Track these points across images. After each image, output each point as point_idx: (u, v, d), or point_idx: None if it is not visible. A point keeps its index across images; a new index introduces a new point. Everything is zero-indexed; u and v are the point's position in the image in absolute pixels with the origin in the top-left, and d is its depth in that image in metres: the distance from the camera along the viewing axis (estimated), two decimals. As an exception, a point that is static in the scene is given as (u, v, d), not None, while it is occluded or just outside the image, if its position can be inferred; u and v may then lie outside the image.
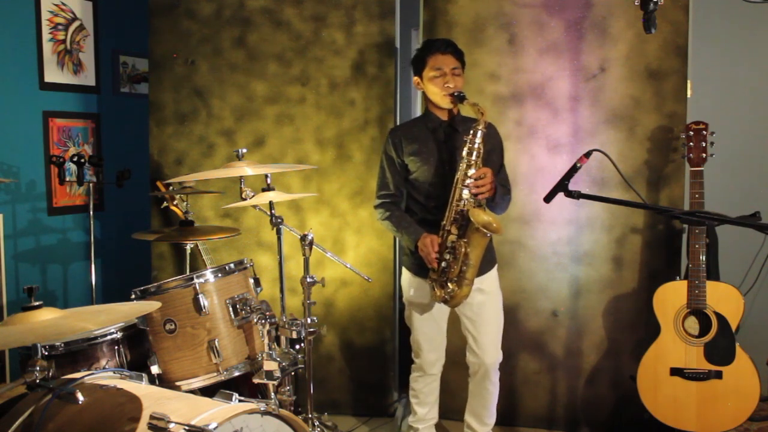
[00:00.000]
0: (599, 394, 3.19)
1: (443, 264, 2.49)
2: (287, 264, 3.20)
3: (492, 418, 2.83)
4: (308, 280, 2.41)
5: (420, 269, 2.62)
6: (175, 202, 3.17)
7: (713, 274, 2.95)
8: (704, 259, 2.75)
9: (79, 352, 2.31)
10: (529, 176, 3.17)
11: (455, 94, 2.52)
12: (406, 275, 2.76)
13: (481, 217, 2.40)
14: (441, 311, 2.72)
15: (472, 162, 2.45)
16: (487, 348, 2.70)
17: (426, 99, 2.67)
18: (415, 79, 2.66)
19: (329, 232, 3.37)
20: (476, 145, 2.44)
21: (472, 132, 2.45)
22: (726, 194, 3.33)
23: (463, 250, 2.43)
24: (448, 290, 2.48)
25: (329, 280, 3.27)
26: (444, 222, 2.50)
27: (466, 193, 2.45)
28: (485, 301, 2.67)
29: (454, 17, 3.19)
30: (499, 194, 2.57)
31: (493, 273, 2.73)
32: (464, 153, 2.46)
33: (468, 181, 2.44)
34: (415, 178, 2.64)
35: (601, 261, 3.15)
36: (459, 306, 2.57)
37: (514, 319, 3.22)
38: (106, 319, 1.75)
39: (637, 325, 3.11)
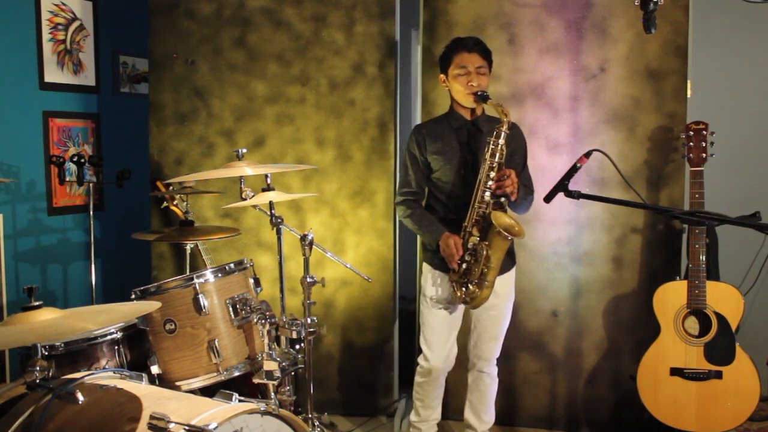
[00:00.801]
0: (599, 394, 3.19)
1: (464, 266, 2.49)
2: (287, 264, 3.19)
3: (491, 415, 2.83)
4: (308, 280, 2.41)
5: (442, 263, 2.60)
6: (175, 202, 3.17)
7: (713, 274, 2.95)
8: (704, 259, 2.75)
9: (79, 352, 2.31)
10: (529, 176, 3.17)
11: (478, 93, 2.51)
12: (427, 270, 2.73)
13: (503, 219, 2.40)
14: (458, 311, 2.71)
15: (495, 164, 2.44)
16: (487, 346, 2.73)
17: (451, 97, 2.67)
18: (441, 76, 2.65)
19: (329, 232, 3.37)
20: (499, 147, 2.43)
21: (495, 133, 2.44)
22: (726, 194, 3.32)
23: (484, 252, 2.42)
24: (469, 292, 2.49)
25: (329, 280, 3.27)
26: (465, 223, 2.50)
27: (488, 195, 2.45)
28: (495, 305, 2.67)
29: (454, 17, 3.19)
30: (522, 195, 2.56)
31: (509, 276, 2.72)
32: (487, 155, 2.45)
33: (490, 182, 2.44)
34: (438, 177, 2.63)
35: (601, 261, 3.14)
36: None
37: (514, 319, 3.19)
38: (106, 319, 1.75)
39: (637, 325, 3.10)
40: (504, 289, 2.69)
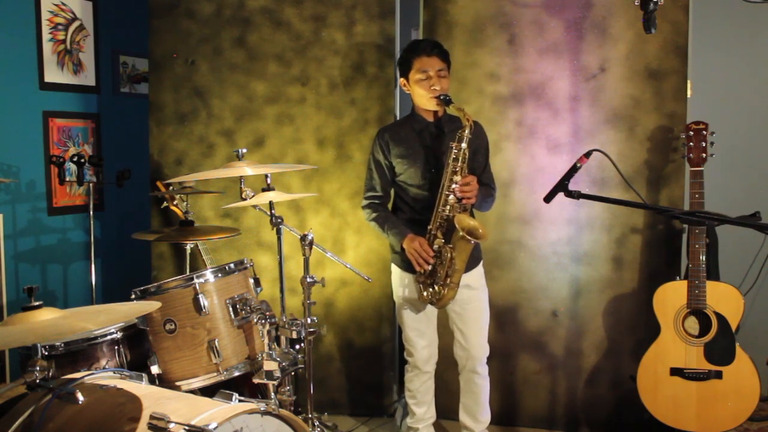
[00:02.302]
0: (599, 394, 3.19)
1: (429, 267, 2.53)
2: (287, 264, 3.20)
3: (486, 415, 2.84)
4: (308, 280, 2.41)
5: (409, 265, 2.64)
6: (175, 202, 3.17)
7: (713, 274, 2.94)
8: (704, 259, 2.75)
9: (79, 352, 2.31)
10: (529, 176, 3.17)
11: (441, 97, 2.54)
12: (395, 272, 2.78)
13: (466, 222, 2.44)
14: (430, 307, 2.74)
15: (458, 168, 2.47)
16: (474, 341, 2.74)
17: (413, 99, 2.69)
18: (401, 80, 2.69)
19: (329, 232, 3.37)
20: (462, 151, 2.47)
21: (457, 138, 2.47)
22: (726, 194, 3.32)
23: (448, 255, 2.46)
24: (435, 292, 2.54)
25: (329, 280, 3.26)
26: (430, 227, 2.54)
27: (452, 199, 2.48)
28: (472, 297, 2.71)
29: (454, 17, 3.19)
30: (482, 195, 2.61)
31: (479, 269, 2.77)
32: (450, 159, 2.48)
33: (453, 186, 2.47)
34: (403, 180, 2.67)
35: (601, 261, 3.14)
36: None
37: (514, 319, 3.22)
38: (106, 319, 1.75)
39: (637, 325, 3.10)
40: (477, 282, 2.74)
